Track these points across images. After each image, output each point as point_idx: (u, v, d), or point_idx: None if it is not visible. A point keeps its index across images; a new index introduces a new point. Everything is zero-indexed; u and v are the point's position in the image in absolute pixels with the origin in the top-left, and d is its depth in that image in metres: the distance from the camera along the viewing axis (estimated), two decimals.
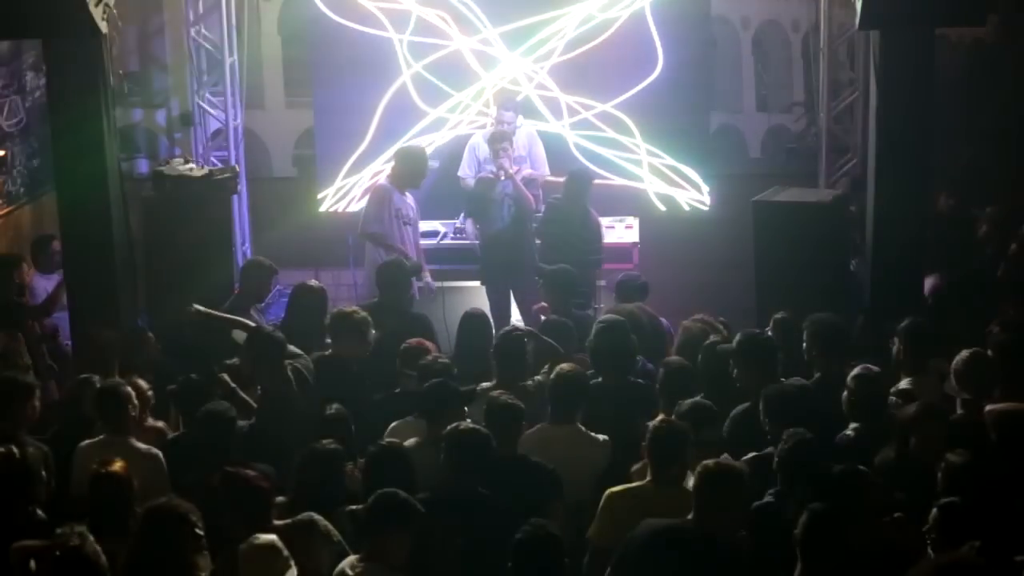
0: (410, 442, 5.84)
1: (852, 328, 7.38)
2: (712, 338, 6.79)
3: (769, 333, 6.88)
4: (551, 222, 9.18)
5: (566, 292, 7.91)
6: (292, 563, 4.86)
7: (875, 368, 6.14)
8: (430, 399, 6.00)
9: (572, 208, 9.10)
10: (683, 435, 5.34)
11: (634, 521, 5.01)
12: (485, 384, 6.59)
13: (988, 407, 5.90)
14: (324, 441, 5.58)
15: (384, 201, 8.98)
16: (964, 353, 6.13)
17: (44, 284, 8.78)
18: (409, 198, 9.11)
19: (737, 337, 6.55)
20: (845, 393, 5.98)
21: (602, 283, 9.24)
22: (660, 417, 5.50)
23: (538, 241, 9.23)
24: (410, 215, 9.07)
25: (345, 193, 10.61)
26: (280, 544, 4.84)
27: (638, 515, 5.05)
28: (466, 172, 9.74)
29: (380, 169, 10.33)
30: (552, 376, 6.29)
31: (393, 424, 6.22)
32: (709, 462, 5.04)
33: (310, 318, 7.56)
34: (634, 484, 5.35)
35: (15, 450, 5.35)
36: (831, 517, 4.74)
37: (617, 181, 10.29)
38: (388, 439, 5.89)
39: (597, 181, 9.52)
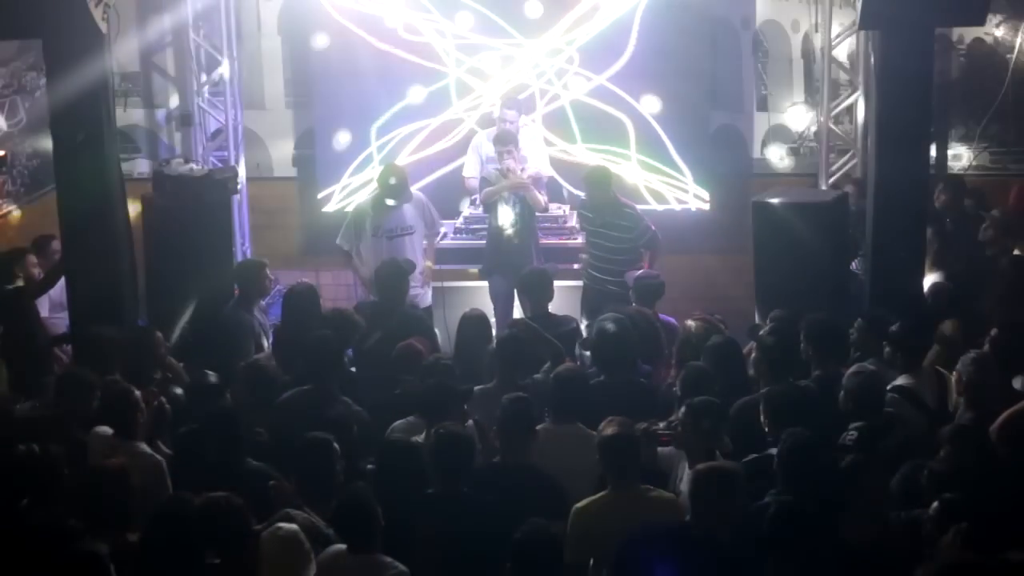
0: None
1: (851, 328, 7.38)
2: (714, 338, 6.79)
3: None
4: (585, 222, 9.17)
5: (542, 294, 7.91)
6: (312, 557, 4.86)
7: (869, 366, 6.14)
8: (429, 398, 6.02)
9: (601, 204, 9.08)
10: (632, 440, 5.37)
11: (600, 532, 5.09)
12: (485, 385, 6.60)
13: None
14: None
15: (357, 223, 9.03)
16: (968, 356, 6.13)
17: None
18: (402, 211, 9.10)
19: (761, 334, 6.62)
20: (842, 392, 5.99)
21: None
22: (606, 422, 5.49)
23: (583, 255, 9.24)
24: (396, 227, 9.07)
25: (350, 192, 10.63)
26: (303, 536, 4.84)
27: (602, 525, 5.12)
28: (470, 172, 9.76)
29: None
30: (552, 376, 6.31)
31: (393, 425, 6.22)
32: (702, 465, 5.06)
33: (304, 318, 7.58)
34: (596, 496, 5.35)
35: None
36: (799, 511, 4.80)
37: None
38: (397, 435, 5.94)
39: None
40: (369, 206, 9.13)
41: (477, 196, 9.67)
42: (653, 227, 9.11)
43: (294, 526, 4.89)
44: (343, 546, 4.95)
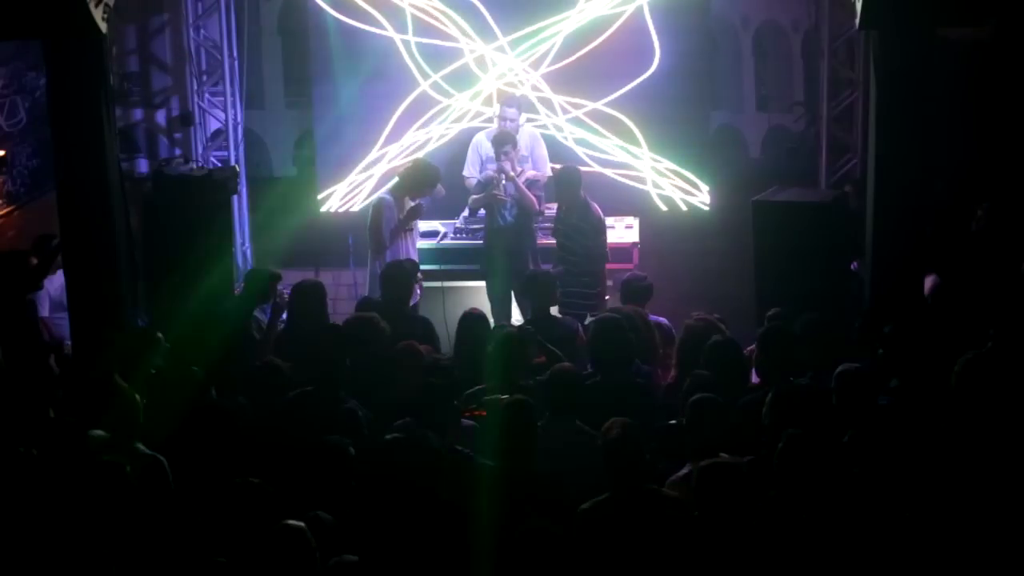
0: None
1: (852, 328, 7.37)
2: (714, 338, 6.79)
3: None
4: (558, 221, 9.16)
5: (543, 297, 7.91)
6: (318, 555, 4.86)
7: (855, 365, 6.15)
8: (421, 401, 6.03)
9: (569, 204, 9.07)
10: (637, 441, 5.36)
11: (605, 534, 5.11)
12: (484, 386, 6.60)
13: None
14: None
15: (381, 214, 9.03)
16: (965, 356, 6.13)
17: (45, 284, 8.76)
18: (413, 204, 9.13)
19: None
20: (833, 394, 6.02)
21: (609, 283, 9.22)
22: (610, 423, 5.48)
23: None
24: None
25: (351, 193, 10.62)
26: (309, 535, 4.83)
27: (607, 527, 5.14)
28: (470, 172, 9.74)
29: (386, 171, 10.36)
30: (547, 375, 6.31)
31: (393, 426, 6.21)
32: (705, 461, 5.07)
33: (310, 315, 7.58)
34: (599, 498, 5.33)
35: None
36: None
37: (618, 178, 10.31)
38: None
39: (587, 169, 9.48)
40: (394, 199, 9.11)
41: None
42: (607, 250, 9.13)
43: (301, 524, 4.88)
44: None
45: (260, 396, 6.62)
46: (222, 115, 11.07)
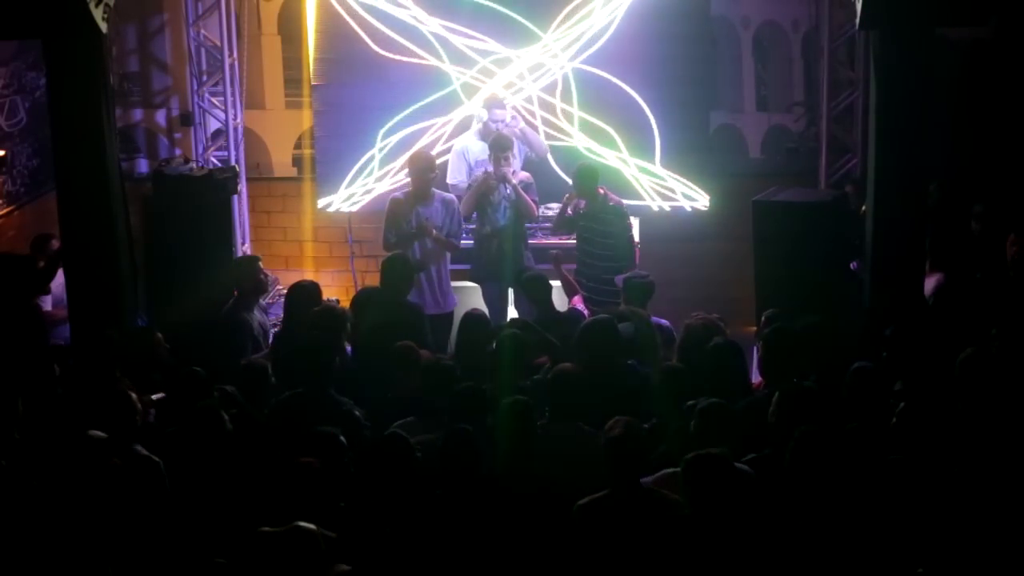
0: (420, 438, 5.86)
1: (852, 329, 7.38)
2: (716, 339, 6.78)
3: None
4: (579, 218, 9.07)
5: (547, 293, 7.94)
6: (325, 560, 4.86)
7: (870, 364, 6.15)
8: (459, 407, 6.02)
9: (589, 199, 8.99)
10: (638, 440, 5.36)
11: (601, 531, 5.11)
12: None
13: None
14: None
15: (393, 214, 8.98)
16: (966, 353, 6.13)
17: None
18: (433, 208, 9.00)
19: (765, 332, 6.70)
20: (845, 391, 6.01)
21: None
22: (612, 421, 5.47)
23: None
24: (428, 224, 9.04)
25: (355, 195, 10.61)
26: (319, 538, 4.83)
27: (604, 524, 5.13)
28: (456, 178, 9.67)
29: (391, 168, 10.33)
30: (550, 375, 6.31)
31: (394, 425, 6.22)
32: (691, 454, 5.08)
33: (305, 316, 7.59)
34: (598, 495, 5.32)
35: None
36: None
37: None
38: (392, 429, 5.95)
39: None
40: (409, 200, 9.01)
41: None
42: (635, 241, 9.07)
43: (312, 526, 4.88)
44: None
45: (261, 396, 6.63)
46: (222, 115, 11.07)
